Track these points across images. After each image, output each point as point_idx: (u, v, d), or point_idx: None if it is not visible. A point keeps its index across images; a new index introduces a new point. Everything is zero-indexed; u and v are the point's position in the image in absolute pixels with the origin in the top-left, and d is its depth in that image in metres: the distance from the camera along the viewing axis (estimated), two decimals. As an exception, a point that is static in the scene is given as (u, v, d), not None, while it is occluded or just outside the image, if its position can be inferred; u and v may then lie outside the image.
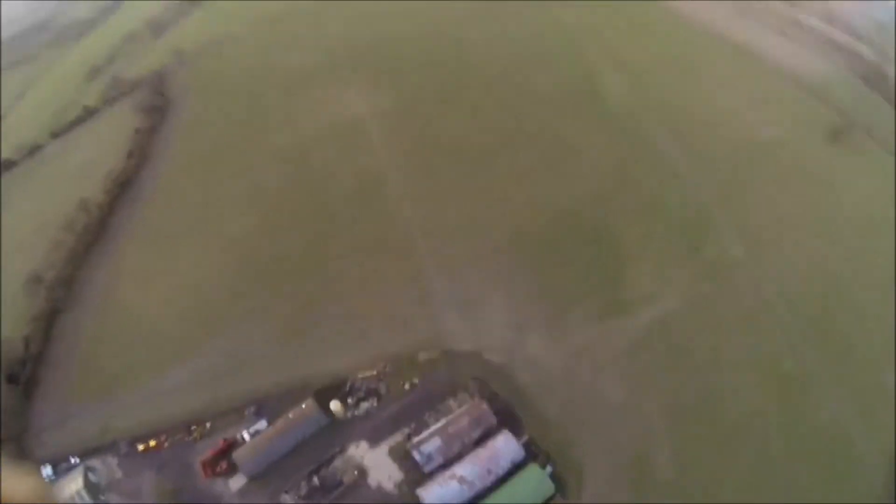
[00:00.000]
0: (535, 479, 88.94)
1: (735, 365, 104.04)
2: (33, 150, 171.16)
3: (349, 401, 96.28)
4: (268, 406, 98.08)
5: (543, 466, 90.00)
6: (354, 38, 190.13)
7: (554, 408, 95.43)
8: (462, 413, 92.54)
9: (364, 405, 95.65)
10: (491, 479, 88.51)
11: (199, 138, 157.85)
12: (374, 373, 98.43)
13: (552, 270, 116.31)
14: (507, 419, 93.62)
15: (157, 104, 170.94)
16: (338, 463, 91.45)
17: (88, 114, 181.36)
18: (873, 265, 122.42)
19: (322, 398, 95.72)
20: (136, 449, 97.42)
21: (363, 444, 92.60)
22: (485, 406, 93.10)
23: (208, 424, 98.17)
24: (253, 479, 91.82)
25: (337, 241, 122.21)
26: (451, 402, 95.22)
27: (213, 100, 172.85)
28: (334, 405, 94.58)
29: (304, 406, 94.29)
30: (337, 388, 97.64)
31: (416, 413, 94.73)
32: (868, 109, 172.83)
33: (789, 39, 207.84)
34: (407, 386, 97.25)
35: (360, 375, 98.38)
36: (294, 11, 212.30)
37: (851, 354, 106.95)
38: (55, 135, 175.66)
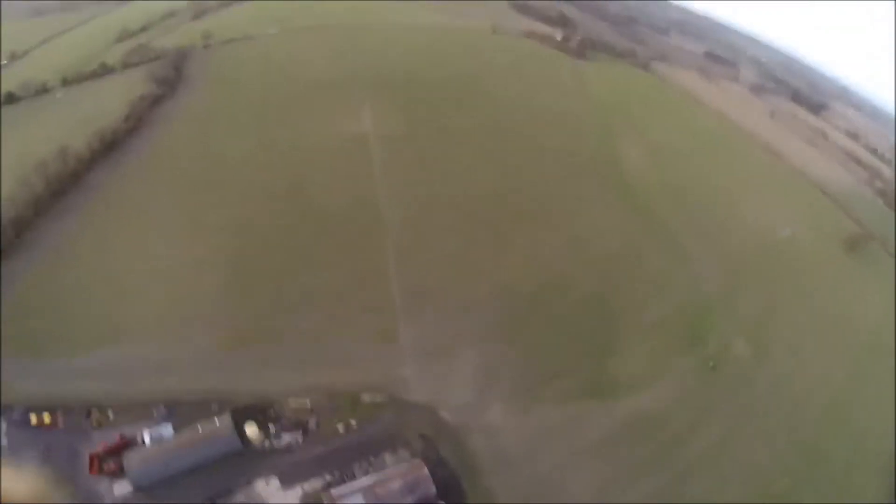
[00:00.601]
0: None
1: (722, 478, 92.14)
2: (39, 91, 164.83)
3: (271, 428, 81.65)
4: (180, 411, 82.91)
5: (485, 559, 75.65)
6: (378, 63, 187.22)
7: (506, 490, 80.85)
8: (397, 473, 77.54)
9: (286, 437, 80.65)
10: (414, 561, 73.62)
11: (201, 121, 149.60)
12: (307, 404, 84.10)
13: (535, 334, 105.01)
14: (449, 492, 78.69)
15: (170, 77, 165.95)
16: (239, 497, 76.25)
17: (105, 71, 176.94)
18: (876, 390, 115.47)
19: (241, 418, 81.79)
20: (29, 420, 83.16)
21: (274, 482, 76.96)
22: (425, 470, 78.30)
23: (111, 414, 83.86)
24: (139, 489, 76.45)
25: (314, 256, 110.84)
26: (388, 457, 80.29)
27: (226, 88, 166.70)
28: (251, 429, 79.90)
29: (217, 422, 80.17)
30: (261, 411, 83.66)
31: (343, 460, 79.66)
32: (885, 225, 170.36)
33: (815, 148, 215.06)
34: (341, 428, 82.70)
35: (290, 403, 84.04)
36: (329, 27, 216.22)
37: (847, 488, 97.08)
38: (66, 82, 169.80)
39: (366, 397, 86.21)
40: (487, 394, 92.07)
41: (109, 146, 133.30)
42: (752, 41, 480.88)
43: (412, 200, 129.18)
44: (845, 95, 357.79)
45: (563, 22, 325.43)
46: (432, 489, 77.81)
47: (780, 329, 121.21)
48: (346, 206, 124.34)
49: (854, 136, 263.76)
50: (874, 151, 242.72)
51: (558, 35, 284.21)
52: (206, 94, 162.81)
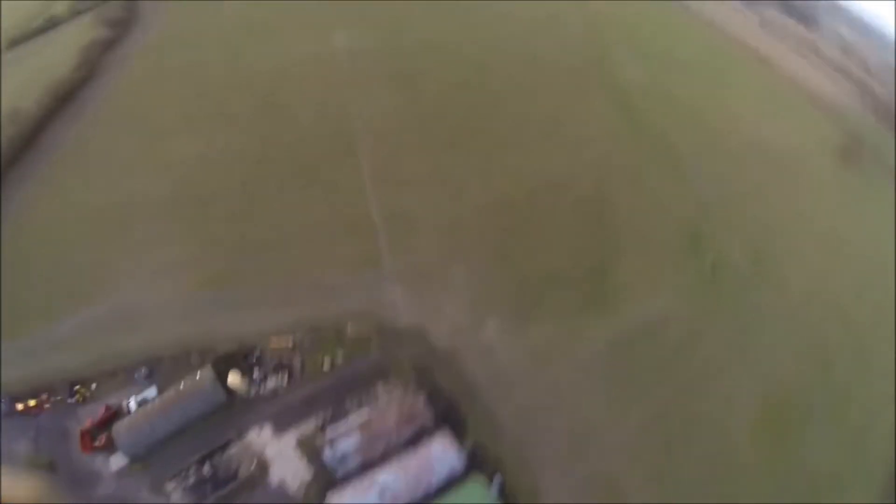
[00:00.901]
0: (478, 496, 68.95)
1: (730, 387, 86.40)
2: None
3: (255, 374, 75.98)
4: (161, 369, 77.51)
5: (489, 480, 69.89)
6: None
7: (508, 410, 74.97)
8: (391, 405, 71.87)
9: (271, 382, 75.08)
10: (422, 491, 68.22)
11: (158, 58, 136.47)
12: (290, 343, 77.87)
13: (528, 246, 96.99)
14: (448, 419, 72.85)
15: (122, 18, 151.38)
16: (234, 450, 71.51)
17: (53, 24, 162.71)
18: (875, 295, 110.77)
19: (224, 368, 75.84)
20: (16, 408, 79.49)
21: (266, 431, 71.90)
22: (421, 399, 72.57)
23: (94, 386, 79.02)
24: (135, 459, 72.99)
25: (285, 185, 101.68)
26: (380, 389, 74.23)
27: (183, 20, 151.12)
28: (233, 378, 74.18)
29: (197, 377, 74.40)
30: (243, 357, 77.49)
31: (334, 398, 73.92)
32: (876, 138, 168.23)
33: (806, 60, 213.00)
34: (327, 365, 76.30)
35: (272, 344, 77.78)
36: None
37: (849, 392, 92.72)
38: (13, 43, 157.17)
39: (351, 328, 78.95)
40: (481, 313, 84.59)
41: (63, 99, 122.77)
42: None
43: (387, 116, 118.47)
44: (836, 11, 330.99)
45: None
46: (430, 418, 72.03)
47: (777, 236, 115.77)
48: (321, 128, 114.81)
49: (845, 50, 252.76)
50: (865, 67, 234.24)
51: None
52: (161, 30, 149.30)
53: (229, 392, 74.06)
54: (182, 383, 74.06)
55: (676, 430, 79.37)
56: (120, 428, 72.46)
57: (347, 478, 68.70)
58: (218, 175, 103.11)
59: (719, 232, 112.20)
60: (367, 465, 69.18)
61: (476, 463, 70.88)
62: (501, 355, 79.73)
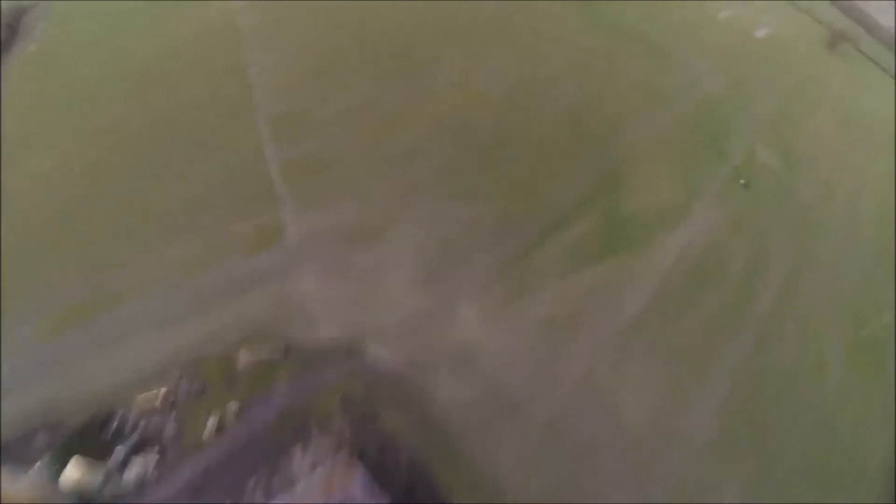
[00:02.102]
0: None
1: (813, 326, 63.67)
2: None
3: (115, 455, 47.08)
4: (8, 457, 51.04)
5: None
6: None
7: (508, 458, 46.83)
8: (314, 486, 43.74)
9: (134, 468, 46.12)
10: None
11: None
12: (158, 400, 49.01)
13: (506, 177, 70.94)
14: (411, 487, 44.88)
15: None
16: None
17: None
18: None
19: (70, 451, 48.43)
20: None
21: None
22: (358, 470, 44.51)
23: None
24: None
25: (170, 165, 72.81)
26: (296, 458, 45.54)
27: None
28: (73, 472, 45.45)
29: (31, 475, 46.84)
30: (98, 430, 49.68)
31: (227, 480, 45.22)
32: (851, 32, 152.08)
33: None
34: (212, 423, 47.38)
35: (138, 404, 49.01)
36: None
37: None
38: None
39: (245, 357, 50.59)
40: (448, 291, 55.75)
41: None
42: None
43: (292, 57, 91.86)
44: None
45: None
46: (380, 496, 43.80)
47: (796, 131, 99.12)
48: (208, 94, 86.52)
49: None
50: None
51: None
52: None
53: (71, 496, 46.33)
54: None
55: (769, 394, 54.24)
56: None
57: None
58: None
59: (738, 126, 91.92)
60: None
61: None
62: (488, 359, 51.57)
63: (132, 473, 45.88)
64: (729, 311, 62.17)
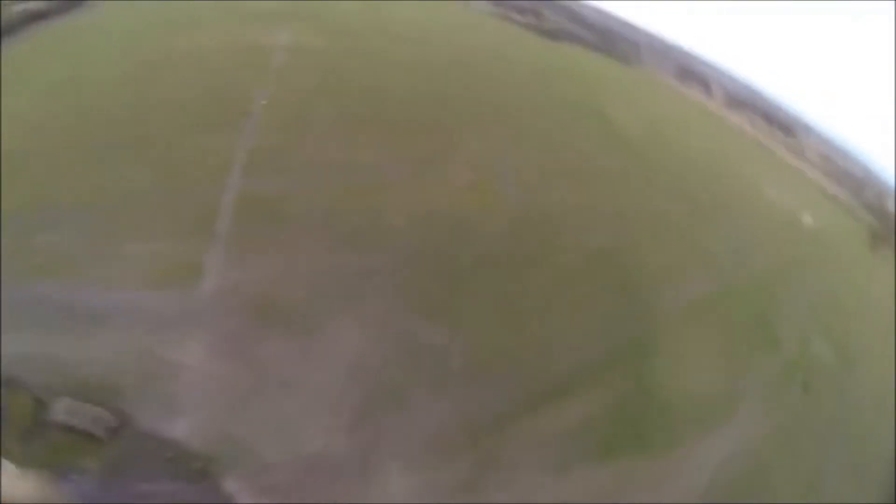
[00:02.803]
0: None
1: None
2: None
3: None
4: None
5: None
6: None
7: None
8: None
9: None
10: None
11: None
12: None
13: (503, 312, 54.04)
14: None
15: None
16: None
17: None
18: None
19: None
20: None
21: None
22: None
23: None
24: None
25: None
26: None
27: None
28: None
29: None
30: None
31: None
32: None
33: (798, 158, 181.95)
34: None
35: None
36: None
37: None
38: None
39: (60, 413, 34.72)
40: (376, 440, 41.29)
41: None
42: (718, 70, 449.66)
43: (301, 95, 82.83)
44: (808, 128, 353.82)
45: (535, 12, 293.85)
46: None
47: (848, 325, 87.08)
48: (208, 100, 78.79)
49: (826, 159, 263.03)
50: (847, 174, 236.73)
51: (529, 18, 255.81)
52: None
53: None
54: None
55: None
56: None
57: None
58: None
59: (788, 314, 78.15)
60: None
61: None
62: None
63: None
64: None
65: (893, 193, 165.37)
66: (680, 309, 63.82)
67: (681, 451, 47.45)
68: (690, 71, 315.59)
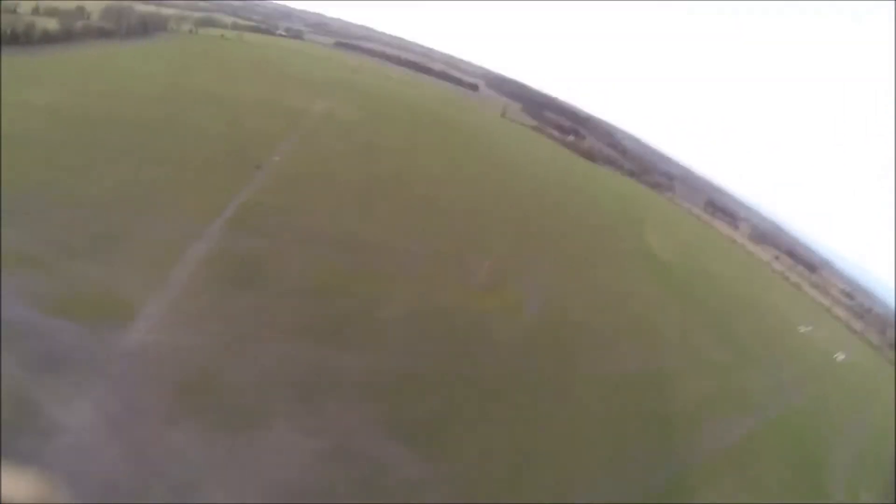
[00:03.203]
0: None
1: None
2: None
3: None
4: None
5: None
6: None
7: None
8: None
9: None
10: None
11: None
12: None
13: (506, 442, 42.23)
14: None
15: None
16: None
17: None
18: None
19: None
20: None
21: None
22: None
23: None
24: None
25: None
26: None
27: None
28: None
29: None
30: None
31: None
32: None
33: (823, 295, 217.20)
34: None
35: None
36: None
37: None
38: None
39: None
40: None
41: None
42: (745, 206, 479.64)
43: (322, 171, 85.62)
44: (831, 265, 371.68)
45: (575, 132, 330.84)
46: None
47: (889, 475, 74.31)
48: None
49: (850, 296, 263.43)
50: (870, 313, 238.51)
51: (568, 137, 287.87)
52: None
53: None
54: None
55: None
56: None
57: None
58: None
59: (832, 460, 66.93)
60: None
61: None
62: None
63: None
64: None
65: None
66: (717, 452, 53.46)
67: None
68: (719, 204, 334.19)
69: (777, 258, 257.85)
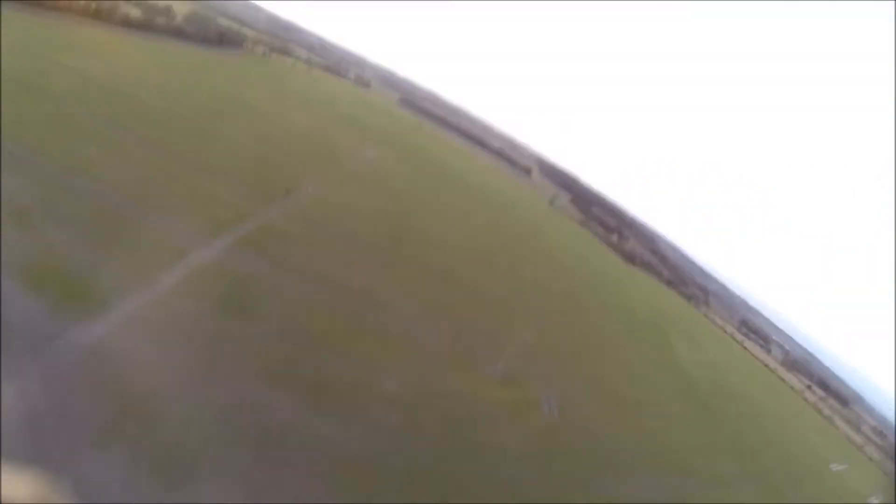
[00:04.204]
0: None
1: None
2: None
3: None
4: None
5: None
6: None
7: None
8: None
9: None
10: None
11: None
12: None
13: None
14: None
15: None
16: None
17: None
18: None
19: None
20: None
21: None
22: None
23: None
24: None
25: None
26: None
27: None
28: None
29: None
30: None
31: None
32: None
33: (853, 430, 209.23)
34: None
35: None
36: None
37: None
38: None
39: None
40: None
41: None
42: (778, 330, 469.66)
43: (350, 215, 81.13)
44: (863, 399, 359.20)
45: (619, 232, 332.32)
46: None
47: None
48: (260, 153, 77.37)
49: (882, 435, 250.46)
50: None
51: (613, 236, 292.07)
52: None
53: None
54: None
55: None
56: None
57: None
58: None
59: None
60: None
61: None
62: None
63: None
64: None
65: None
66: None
67: None
68: (753, 325, 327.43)
69: (809, 387, 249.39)
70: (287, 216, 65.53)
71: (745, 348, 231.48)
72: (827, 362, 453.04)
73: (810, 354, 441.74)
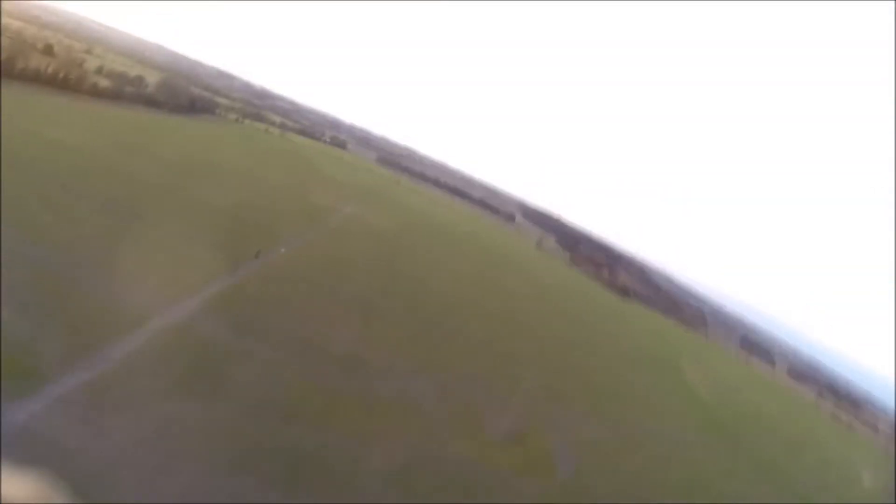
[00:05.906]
0: None
1: None
2: None
3: None
4: None
5: None
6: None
7: None
8: None
9: None
10: None
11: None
12: None
13: None
14: None
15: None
16: None
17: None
18: None
19: None
20: None
21: None
22: None
23: None
24: None
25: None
26: None
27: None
28: None
29: None
30: None
31: None
32: None
33: (875, 434, 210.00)
34: None
35: None
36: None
37: None
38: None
39: None
40: None
41: None
42: (780, 342, 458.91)
43: (327, 273, 78.41)
44: (875, 400, 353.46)
45: (610, 268, 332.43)
46: None
47: None
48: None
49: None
50: None
51: (604, 272, 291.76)
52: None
53: None
54: None
55: None
56: None
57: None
58: None
59: None
60: None
61: None
62: None
63: None
64: None
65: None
66: None
67: None
68: (754, 342, 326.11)
69: (820, 395, 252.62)
70: (257, 279, 61.47)
71: (752, 365, 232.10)
72: (828, 363, 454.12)
73: (813, 360, 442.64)
